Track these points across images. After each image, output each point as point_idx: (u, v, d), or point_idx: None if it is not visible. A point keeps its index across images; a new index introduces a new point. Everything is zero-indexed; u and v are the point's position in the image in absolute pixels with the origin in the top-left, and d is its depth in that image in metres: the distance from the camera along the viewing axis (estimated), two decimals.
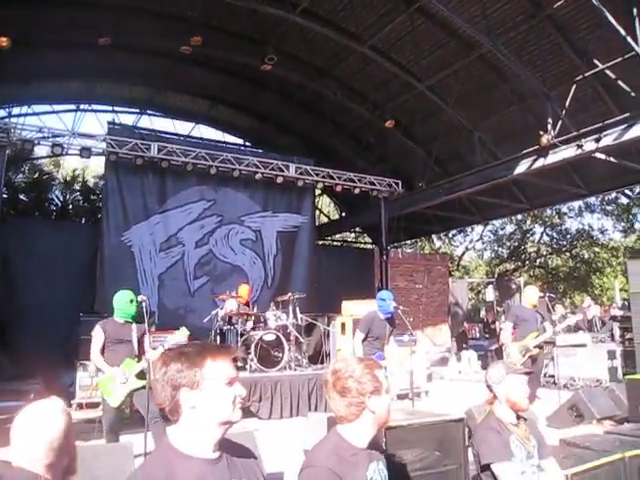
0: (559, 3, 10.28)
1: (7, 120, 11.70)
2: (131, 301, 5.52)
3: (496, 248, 29.85)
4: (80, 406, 7.98)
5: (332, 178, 13.72)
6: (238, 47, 13.19)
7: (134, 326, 5.49)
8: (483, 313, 21.54)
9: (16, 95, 14.99)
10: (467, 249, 30.12)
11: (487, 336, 16.23)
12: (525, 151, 12.19)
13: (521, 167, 12.56)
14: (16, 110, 15.57)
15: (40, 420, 1.87)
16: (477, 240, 29.55)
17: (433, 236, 26.64)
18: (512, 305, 15.23)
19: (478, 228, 27.60)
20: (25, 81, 13.90)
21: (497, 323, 15.72)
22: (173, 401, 1.71)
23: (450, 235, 28.59)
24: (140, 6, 12.35)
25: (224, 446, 1.77)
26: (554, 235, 28.05)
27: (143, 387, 5.24)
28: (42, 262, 10.97)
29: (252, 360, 8.68)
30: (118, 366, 5.27)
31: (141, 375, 5.32)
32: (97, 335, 5.44)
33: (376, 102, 14.78)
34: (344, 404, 2.19)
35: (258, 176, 12.77)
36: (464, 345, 15.58)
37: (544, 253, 28.93)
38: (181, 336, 5.73)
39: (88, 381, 8.09)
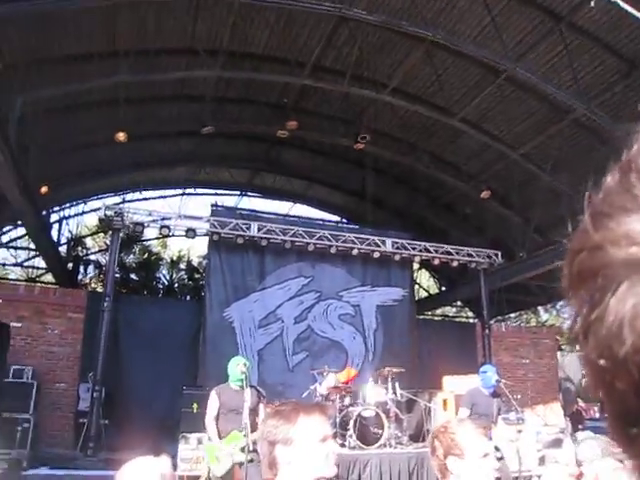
0: None
1: (122, 205, 12.73)
2: (244, 365, 5.59)
3: None
4: (182, 478, 8.06)
5: (429, 251, 13.59)
6: (331, 128, 13.79)
7: (247, 392, 5.46)
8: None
9: (129, 182, 16.39)
10: None
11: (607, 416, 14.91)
12: None
13: None
14: (128, 196, 17.00)
15: (144, 474, 1.86)
16: None
17: (539, 308, 25.37)
18: None
19: None
20: (137, 169, 15.19)
21: None
22: (270, 457, 1.75)
23: (558, 307, 27.08)
24: (239, 96, 13.31)
25: None
26: None
27: (250, 460, 5.20)
28: (148, 338, 11.51)
29: (351, 437, 8.46)
30: (225, 437, 5.30)
31: (246, 448, 5.24)
32: (212, 401, 5.53)
33: (470, 173, 14.74)
34: (434, 463, 2.16)
35: (355, 252, 12.89)
36: (580, 426, 14.37)
37: None
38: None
39: (190, 454, 8.19)
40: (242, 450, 5.23)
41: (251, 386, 5.66)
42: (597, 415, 15.96)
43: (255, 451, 5.33)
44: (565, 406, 15.27)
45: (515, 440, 6.92)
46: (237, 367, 5.57)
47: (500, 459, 6.15)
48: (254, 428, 5.38)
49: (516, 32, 10.56)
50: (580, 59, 10.63)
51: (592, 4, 9.22)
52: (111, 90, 11.75)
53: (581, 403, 16.16)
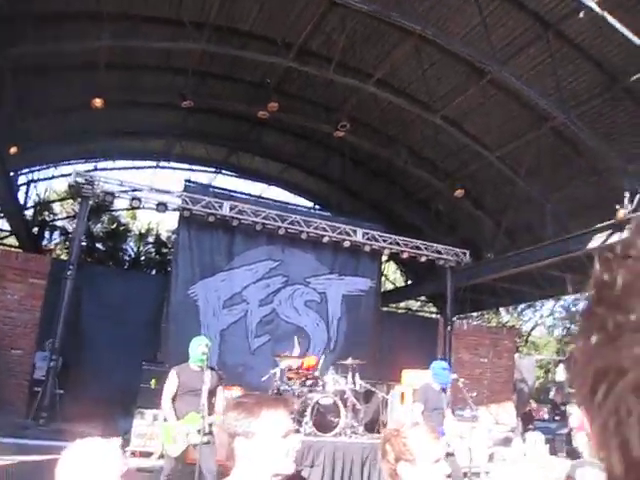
0: (636, 76, 10.15)
1: (93, 173, 12.46)
2: (207, 345, 5.54)
3: (568, 325, 28.55)
4: (134, 454, 8.00)
5: (399, 245, 13.66)
6: (313, 114, 13.70)
7: (207, 374, 5.41)
8: (552, 394, 20.41)
9: (102, 150, 16.06)
10: (537, 324, 28.98)
11: (557, 418, 15.33)
12: (599, 225, 11.80)
13: (595, 241, 12.10)
14: (100, 164, 16.65)
15: (90, 460, 1.74)
16: (548, 316, 28.42)
17: (501, 309, 25.83)
18: None
19: (549, 303, 26.61)
20: (112, 138, 14.87)
21: (567, 406, 14.83)
22: (229, 448, 1.72)
23: (519, 309, 27.64)
24: (222, 72, 13.10)
25: None
26: None
27: (205, 443, 5.17)
28: (111, 309, 11.38)
29: (307, 423, 8.49)
30: (183, 417, 5.25)
31: (203, 431, 5.21)
32: (171, 381, 5.45)
33: (446, 171, 14.83)
34: (384, 467, 2.11)
35: (326, 239, 12.89)
36: (530, 426, 14.72)
37: None
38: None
39: (144, 429, 8.13)
40: (199, 432, 5.19)
41: (211, 368, 5.61)
42: (546, 416, 16.36)
43: (211, 433, 5.31)
44: (518, 406, 15.62)
45: (467, 437, 7.05)
46: (199, 347, 5.52)
47: (451, 455, 6.26)
48: (211, 410, 5.36)
49: (504, 35, 10.60)
50: (564, 68, 10.73)
51: (581, 15, 9.32)
52: (92, 53, 11.44)
53: (533, 404, 16.54)
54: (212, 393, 5.45)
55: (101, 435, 1.96)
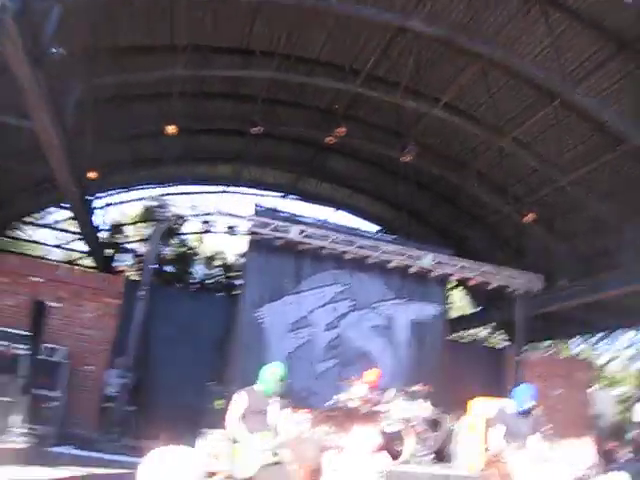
0: None
1: (165, 197, 12.92)
2: (281, 379, 5.43)
3: None
4: None
5: (467, 270, 13.37)
6: (379, 138, 13.76)
7: (275, 400, 5.38)
8: (630, 434, 19.19)
9: (174, 175, 16.64)
10: (613, 357, 27.52)
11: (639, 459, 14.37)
12: None
13: None
14: (171, 189, 17.23)
15: (177, 464, 1.78)
16: (626, 347, 26.96)
17: (574, 339, 24.75)
18: None
19: (628, 334, 25.27)
20: (183, 163, 15.41)
21: None
22: (316, 462, 1.70)
23: (593, 340, 26.39)
24: (290, 99, 13.38)
25: None
26: None
27: (275, 463, 5.12)
28: (178, 330, 11.64)
29: None
30: (255, 438, 5.21)
31: (277, 452, 5.19)
32: (240, 403, 5.40)
33: (516, 195, 14.48)
34: None
35: (392, 264, 12.78)
36: (611, 465, 13.87)
37: None
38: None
39: (210, 449, 8.18)
40: (270, 452, 5.14)
41: (280, 396, 5.56)
42: (630, 455, 15.40)
43: (279, 454, 5.26)
44: (597, 443, 14.81)
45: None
46: (275, 380, 5.44)
47: None
48: (277, 432, 5.31)
49: (575, 56, 10.34)
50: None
51: None
52: (166, 83, 11.96)
53: (612, 442, 15.62)
54: (280, 417, 5.41)
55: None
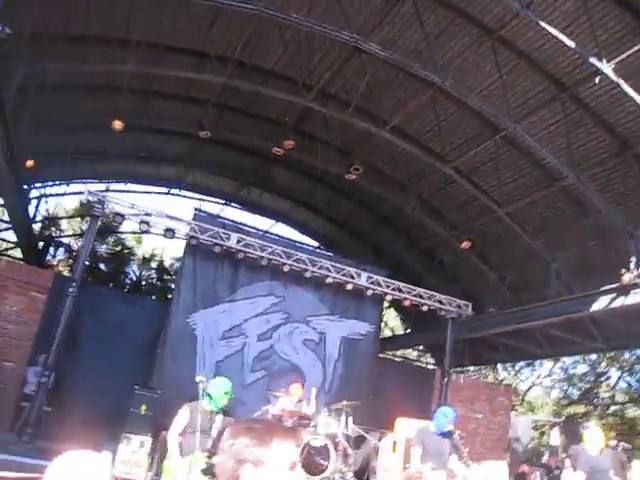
0: None
1: (105, 193, 12.57)
2: (225, 393, 5.43)
3: (565, 387, 28.14)
4: None
5: (402, 292, 13.61)
6: (326, 154, 13.88)
7: (219, 417, 5.36)
8: (545, 457, 19.97)
9: (116, 172, 16.25)
10: (534, 384, 28.57)
11: None
12: (604, 288, 11.76)
13: (599, 304, 12.06)
14: (113, 186, 16.81)
15: (81, 470, 1.67)
16: (545, 376, 28.04)
17: (498, 366, 25.55)
18: (581, 451, 14.06)
19: (548, 364, 26.32)
20: (126, 160, 15.07)
21: (562, 471, 14.46)
22: (234, 475, 1.67)
23: (517, 367, 27.32)
24: (243, 107, 13.35)
25: None
26: (632, 382, 26.23)
27: None
28: (108, 330, 11.26)
29: None
30: (187, 456, 5.13)
31: (207, 471, 5.10)
32: (182, 417, 5.35)
33: (454, 222, 14.91)
34: None
35: (329, 280, 12.88)
36: None
37: (620, 401, 26.95)
38: None
39: (129, 455, 7.99)
40: (203, 473, 5.04)
41: (224, 412, 5.50)
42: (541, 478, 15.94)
43: (214, 475, 5.16)
44: (511, 466, 15.28)
45: None
46: (223, 396, 5.40)
47: None
48: (216, 452, 5.20)
49: (521, 94, 10.82)
50: (577, 131, 10.90)
51: (597, 80, 9.51)
52: (115, 77, 11.72)
53: (525, 466, 16.16)
54: (220, 435, 5.35)
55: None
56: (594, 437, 6.80)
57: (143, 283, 20.03)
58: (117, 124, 11.49)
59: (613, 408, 27.11)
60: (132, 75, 11.46)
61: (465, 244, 14.27)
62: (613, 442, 7.37)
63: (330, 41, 10.64)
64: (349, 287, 13.06)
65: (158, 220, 11.70)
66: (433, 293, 13.96)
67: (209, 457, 5.09)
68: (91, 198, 10.75)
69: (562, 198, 12.65)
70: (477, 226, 14.77)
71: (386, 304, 16.63)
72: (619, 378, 26.56)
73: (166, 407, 9.50)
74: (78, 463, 1.73)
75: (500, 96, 10.49)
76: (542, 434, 25.03)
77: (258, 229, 16.10)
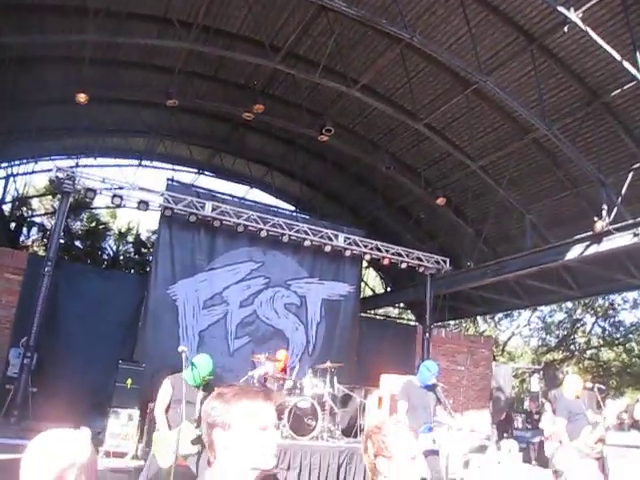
0: (616, 92, 10.36)
1: (74, 169, 12.30)
2: (210, 373, 5.40)
3: (544, 336, 28.88)
4: (107, 454, 7.89)
5: (380, 251, 13.70)
6: (297, 117, 13.71)
7: (201, 392, 5.30)
8: (527, 403, 20.59)
9: (85, 146, 15.90)
10: (513, 334, 29.26)
11: (530, 427, 15.44)
12: (577, 237, 11.98)
13: (572, 253, 12.30)
14: (83, 161, 16.45)
15: (58, 448, 1.62)
16: (524, 326, 28.73)
17: (478, 318, 26.07)
18: (559, 397, 14.49)
19: (526, 313, 26.93)
20: (94, 134, 14.73)
21: (541, 415, 14.96)
22: (209, 439, 1.69)
23: (496, 319, 27.91)
24: (209, 73, 13.08)
25: None
26: (606, 327, 27.01)
27: (197, 453, 5.08)
28: (88, 307, 11.19)
29: (284, 426, 8.48)
30: (176, 428, 5.15)
31: (197, 440, 5.10)
32: (165, 391, 5.34)
33: (428, 179, 14.94)
34: (365, 461, 2.23)
35: (307, 243, 12.90)
36: (505, 434, 14.82)
37: (595, 345, 27.79)
38: None
39: (118, 429, 8.04)
40: (192, 442, 5.08)
41: (206, 385, 5.48)
42: (521, 425, 16.48)
43: (203, 443, 5.22)
44: (494, 414, 15.74)
45: (445, 443, 7.06)
46: (205, 374, 5.38)
47: (434, 453, 6.30)
48: (200, 424, 5.24)
49: (490, 46, 10.74)
50: (547, 82, 10.90)
51: (565, 30, 9.47)
52: (76, 48, 11.35)
53: (508, 413, 16.65)
54: (203, 404, 5.32)
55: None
56: (572, 383, 7.12)
57: (121, 258, 19.84)
58: (81, 97, 11.18)
59: (589, 352, 27.97)
60: (94, 45, 11.13)
61: (440, 200, 14.34)
62: (589, 384, 7.62)
63: (295, 0, 10.40)
64: (327, 249, 13.11)
65: (131, 193, 11.53)
66: (411, 250, 14.09)
67: (197, 427, 5.13)
68: (60, 174, 10.51)
69: (534, 150, 12.72)
70: (452, 182, 14.85)
71: (365, 264, 16.76)
72: (594, 323, 27.34)
73: (152, 379, 9.56)
74: (56, 441, 1.69)
75: (469, 50, 10.40)
76: (522, 381, 25.79)
77: (233, 196, 16.00)
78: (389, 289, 20.56)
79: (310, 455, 8.09)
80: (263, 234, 12.43)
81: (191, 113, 14.76)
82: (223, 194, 14.55)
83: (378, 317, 21.29)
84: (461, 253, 15.27)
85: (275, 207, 15.94)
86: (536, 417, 15.51)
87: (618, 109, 10.97)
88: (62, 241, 14.79)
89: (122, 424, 8.02)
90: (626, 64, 8.95)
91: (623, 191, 10.70)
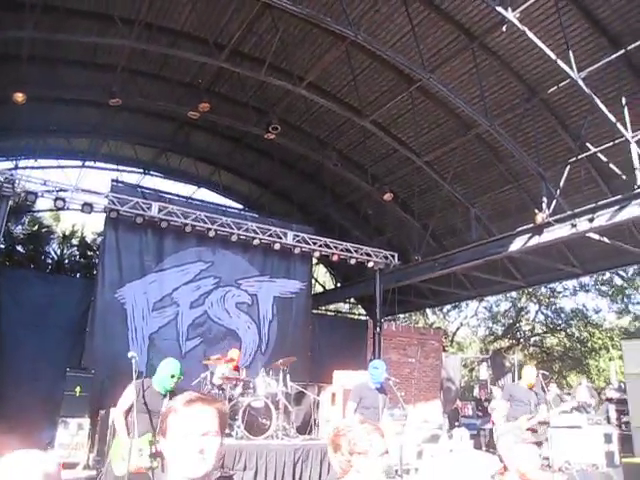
0: (553, 89, 10.76)
1: (13, 171, 11.86)
2: (172, 376, 5.20)
3: (490, 325, 29.72)
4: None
5: (329, 247, 13.82)
6: (244, 115, 13.62)
7: (167, 400, 5.11)
8: (476, 391, 21.17)
9: (25, 148, 15.34)
10: (461, 325, 29.98)
11: (480, 414, 15.89)
12: (520, 229, 12.38)
13: (516, 244, 12.71)
14: (23, 162, 15.85)
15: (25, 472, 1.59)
16: (472, 316, 29.48)
17: (427, 311, 26.56)
18: (506, 383, 14.98)
19: (473, 304, 27.62)
20: (35, 135, 14.24)
21: (490, 402, 15.42)
22: (157, 449, 1.71)
23: (445, 310, 28.52)
24: (153, 71, 12.85)
25: None
26: (549, 314, 28.02)
27: (154, 467, 4.95)
28: (33, 314, 10.83)
29: (239, 427, 8.46)
30: (139, 437, 4.98)
31: (158, 455, 5.00)
32: (128, 395, 5.13)
33: (375, 175, 15.11)
34: (335, 460, 2.27)
35: (256, 242, 12.87)
36: (456, 423, 15.20)
37: (539, 332, 28.79)
38: None
39: (68, 439, 7.85)
40: (150, 456, 4.81)
41: (172, 393, 5.35)
42: (471, 413, 16.94)
43: (162, 457, 5.10)
44: (445, 404, 16.11)
45: (400, 435, 7.22)
46: (171, 378, 5.22)
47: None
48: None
49: (433, 44, 10.95)
50: (488, 79, 11.22)
51: (504, 29, 9.78)
52: (13, 45, 10.94)
53: (458, 402, 17.08)
54: (164, 416, 5.19)
55: (23, 447, 1.82)
56: (525, 375, 7.55)
57: (66, 262, 19.22)
58: (18, 96, 10.75)
59: (533, 339, 28.96)
60: (32, 42, 10.74)
61: (387, 196, 14.54)
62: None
63: None
64: (277, 247, 13.13)
65: (74, 195, 11.24)
66: (360, 246, 14.26)
67: (157, 441, 4.99)
68: None
69: (477, 145, 13.06)
70: (398, 177, 15.08)
71: (315, 260, 16.84)
72: (537, 311, 28.32)
73: (102, 386, 9.39)
74: (24, 464, 1.67)
75: (413, 47, 10.57)
76: (472, 370, 26.48)
77: (180, 196, 15.82)
78: (339, 285, 20.71)
79: (266, 454, 8.09)
80: (212, 234, 12.35)
81: (135, 112, 14.45)
82: (170, 194, 14.37)
83: (329, 313, 21.43)
84: (409, 247, 15.53)
85: (223, 206, 15.84)
86: (486, 404, 15.97)
87: (555, 105, 11.39)
88: (2, 246, 14.24)
89: (72, 434, 7.84)
90: (560, 63, 9.29)
91: (561, 184, 11.11)
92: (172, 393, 5.25)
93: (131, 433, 4.97)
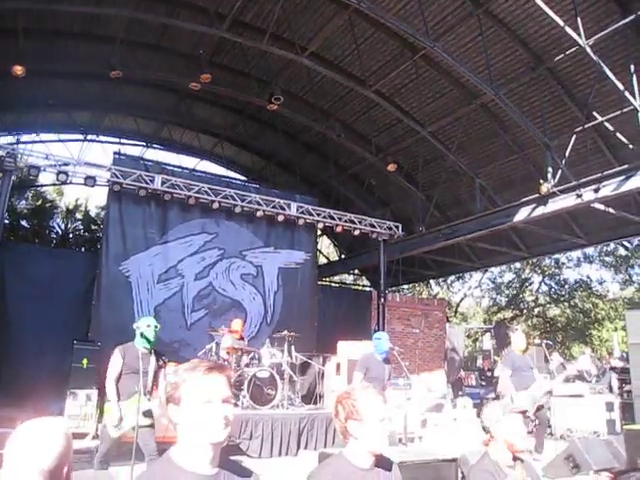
0: (559, 57, 10.57)
1: (15, 146, 11.80)
2: (148, 326, 5.29)
3: (494, 296, 29.83)
4: None
5: (333, 218, 13.78)
6: (246, 86, 13.48)
7: (153, 357, 5.28)
8: (480, 361, 21.32)
9: (26, 122, 15.26)
10: (465, 296, 30.10)
11: (483, 384, 16.03)
12: (525, 199, 12.31)
13: (520, 215, 12.66)
14: (24, 137, 15.78)
15: (37, 439, 1.69)
16: (475, 287, 29.57)
17: (431, 281, 26.65)
18: (508, 352, 15.03)
19: (477, 275, 27.69)
20: (35, 109, 14.13)
21: (493, 371, 15.54)
22: (166, 415, 1.73)
23: (449, 281, 28.60)
24: (153, 42, 12.67)
25: (224, 464, 1.76)
26: (552, 285, 28.09)
27: (147, 425, 5.06)
28: (38, 289, 10.88)
29: (244, 397, 8.57)
30: (128, 398, 5.08)
31: (148, 413, 5.12)
32: (115, 361, 5.24)
33: (379, 146, 14.99)
34: (337, 425, 2.33)
35: (259, 213, 12.85)
36: (460, 392, 15.35)
37: (542, 302, 28.89)
38: None
39: (77, 410, 7.95)
40: (144, 414, 5.04)
41: (155, 351, 5.45)
42: (474, 383, 17.09)
43: (152, 415, 5.23)
44: (448, 374, 16.24)
45: (403, 404, 7.30)
46: (149, 329, 5.31)
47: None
48: (153, 392, 5.25)
49: (437, 11, 10.74)
50: (493, 47, 11.03)
51: None
52: (8, 17, 10.78)
53: (462, 372, 17.22)
54: (155, 375, 5.33)
55: (34, 417, 1.88)
56: (516, 341, 7.61)
57: (70, 236, 19.25)
58: (18, 69, 10.62)
59: (537, 310, 29.06)
60: (27, 14, 10.59)
61: (391, 166, 14.46)
62: (538, 340, 8.04)
63: None
64: (280, 218, 13.10)
65: (77, 169, 11.19)
66: (364, 217, 14.22)
67: (148, 399, 5.12)
68: (0, 152, 10.09)
69: (482, 115, 12.92)
70: (402, 148, 14.95)
71: (319, 232, 16.84)
72: (541, 282, 28.37)
73: (108, 358, 9.46)
74: (37, 431, 1.72)
75: (417, 15, 10.39)
76: (475, 341, 26.64)
77: (183, 168, 15.75)
78: (343, 256, 20.74)
79: (271, 424, 8.21)
80: (215, 206, 12.31)
81: (136, 84, 14.30)
82: (173, 166, 14.30)
83: (334, 285, 21.51)
84: (413, 218, 15.49)
85: (227, 178, 15.76)
86: (489, 374, 16.10)
87: (561, 74, 11.22)
88: (7, 221, 14.22)
89: (80, 405, 7.94)
90: (568, 29, 9.12)
91: (567, 154, 11.00)
92: (155, 352, 5.36)
93: (123, 395, 5.09)
